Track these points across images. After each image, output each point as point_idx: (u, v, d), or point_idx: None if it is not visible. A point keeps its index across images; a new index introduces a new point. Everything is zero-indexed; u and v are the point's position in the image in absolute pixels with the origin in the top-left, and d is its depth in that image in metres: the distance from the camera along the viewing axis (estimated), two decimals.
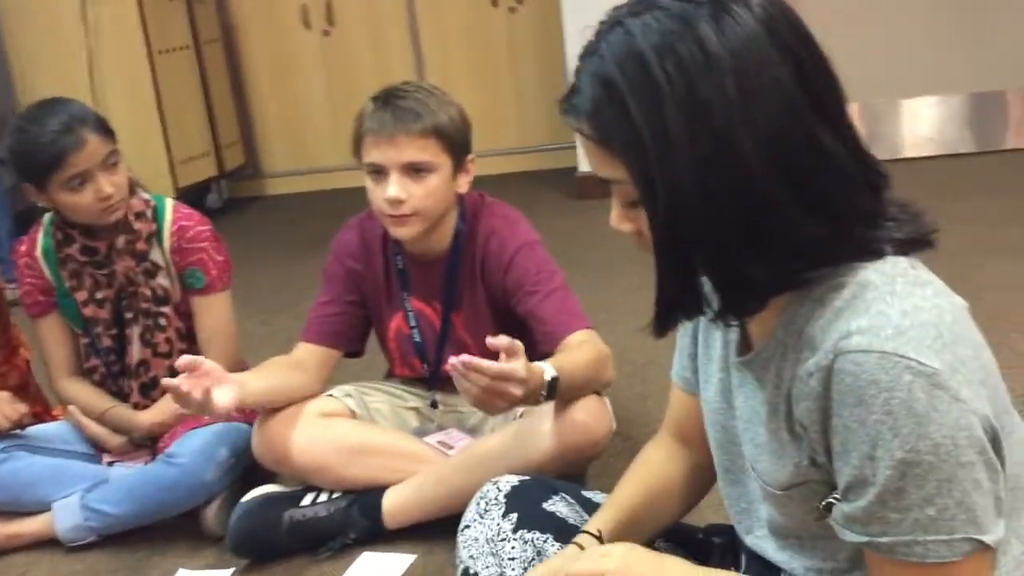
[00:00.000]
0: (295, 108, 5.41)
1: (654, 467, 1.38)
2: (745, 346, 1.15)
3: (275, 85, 5.40)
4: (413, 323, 2.10)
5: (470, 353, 2.08)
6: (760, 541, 1.21)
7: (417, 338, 2.11)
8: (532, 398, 1.71)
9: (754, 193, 0.97)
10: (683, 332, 1.31)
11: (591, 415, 1.87)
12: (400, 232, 1.97)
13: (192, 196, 4.55)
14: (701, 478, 1.35)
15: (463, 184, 2.00)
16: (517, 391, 1.63)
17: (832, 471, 1.01)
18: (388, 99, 1.93)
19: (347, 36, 5.28)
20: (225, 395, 1.79)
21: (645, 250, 1.05)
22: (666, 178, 0.98)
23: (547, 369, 1.72)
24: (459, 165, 1.98)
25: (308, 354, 2.08)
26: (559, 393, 1.76)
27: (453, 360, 1.61)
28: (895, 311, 0.96)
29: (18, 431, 2.19)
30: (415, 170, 1.92)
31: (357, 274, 2.11)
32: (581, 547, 1.28)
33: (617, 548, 1.13)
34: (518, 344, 1.65)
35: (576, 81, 1.04)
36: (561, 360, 1.80)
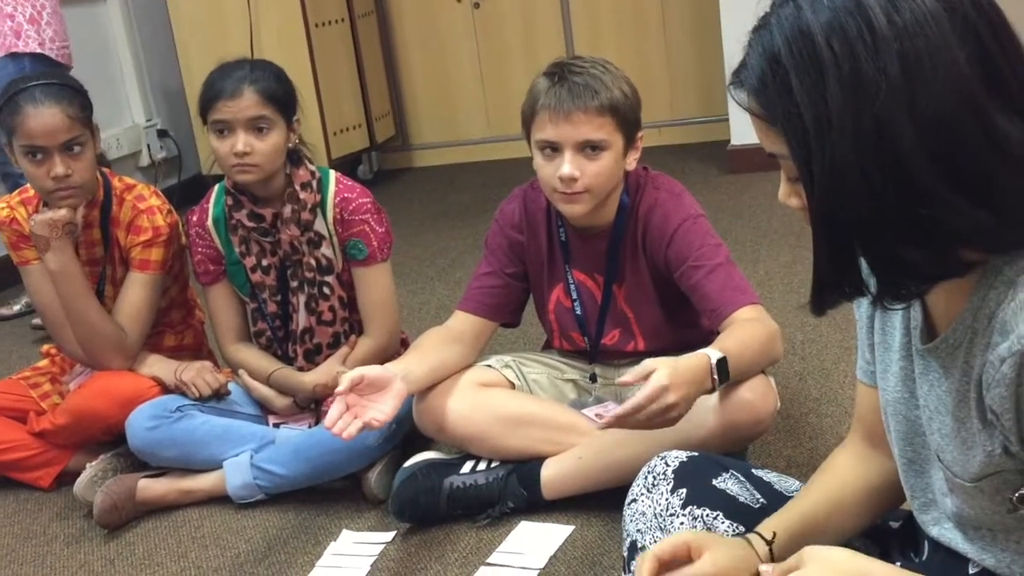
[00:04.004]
0: (444, 81, 5.46)
1: (840, 472, 1.32)
2: (929, 332, 1.11)
3: (425, 58, 5.46)
4: (575, 295, 2.10)
5: (631, 327, 2.09)
6: (947, 533, 1.16)
7: (578, 311, 2.11)
8: (702, 388, 1.72)
9: (912, 181, 0.94)
10: (860, 324, 1.27)
11: (756, 394, 1.84)
12: (570, 209, 1.97)
13: (344, 167, 4.65)
14: (894, 483, 1.26)
15: (632, 161, 1.99)
16: (672, 397, 1.65)
17: None
18: (563, 74, 1.91)
19: (497, 9, 5.30)
20: (383, 411, 1.82)
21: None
22: (823, 157, 0.96)
23: (711, 353, 1.70)
24: (630, 142, 1.97)
25: (466, 324, 2.11)
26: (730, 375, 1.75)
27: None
28: None
29: (215, 400, 2.29)
30: (590, 148, 1.91)
31: (520, 245, 2.12)
32: (749, 543, 1.25)
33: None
34: (646, 366, 1.68)
35: (745, 56, 1.03)
36: (727, 343, 1.78)
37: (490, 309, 2.12)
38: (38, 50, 3.40)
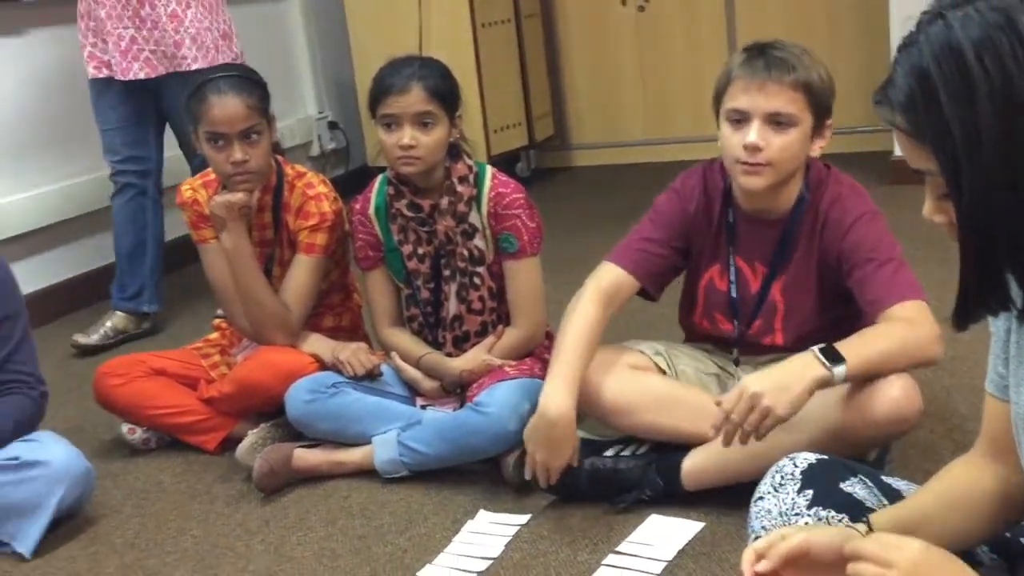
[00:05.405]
0: (606, 82, 5.51)
1: (952, 476, 1.33)
2: None
3: (588, 59, 5.52)
4: (733, 278, 2.13)
5: (774, 321, 2.11)
6: None
7: (734, 293, 2.13)
8: (806, 380, 1.75)
9: None
10: (996, 337, 1.27)
11: (903, 392, 1.84)
12: (750, 182, 1.98)
13: (502, 164, 4.75)
14: (1013, 494, 1.26)
15: (817, 148, 2.01)
16: (766, 401, 1.73)
17: None
18: (763, 49, 1.96)
19: (661, 12, 5.32)
20: None
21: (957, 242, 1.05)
22: (973, 174, 0.98)
23: (836, 372, 1.77)
24: (819, 126, 1.98)
25: (619, 280, 2.12)
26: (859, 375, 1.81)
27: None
28: None
29: (368, 380, 2.41)
30: (777, 122, 1.94)
31: (691, 218, 2.14)
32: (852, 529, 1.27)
33: (912, 543, 1.07)
34: None
35: (892, 73, 1.05)
36: (851, 338, 1.82)
37: (646, 274, 2.14)
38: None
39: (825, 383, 1.77)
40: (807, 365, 1.77)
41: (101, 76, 3.36)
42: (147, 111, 3.43)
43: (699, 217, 2.14)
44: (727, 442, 1.77)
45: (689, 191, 2.15)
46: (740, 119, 1.96)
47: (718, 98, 2.01)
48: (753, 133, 1.94)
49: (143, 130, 3.45)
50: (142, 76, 3.30)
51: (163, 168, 3.55)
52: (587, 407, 2.11)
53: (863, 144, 4.86)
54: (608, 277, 2.13)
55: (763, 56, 1.95)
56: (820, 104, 1.96)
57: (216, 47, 3.34)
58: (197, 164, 3.32)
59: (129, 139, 3.43)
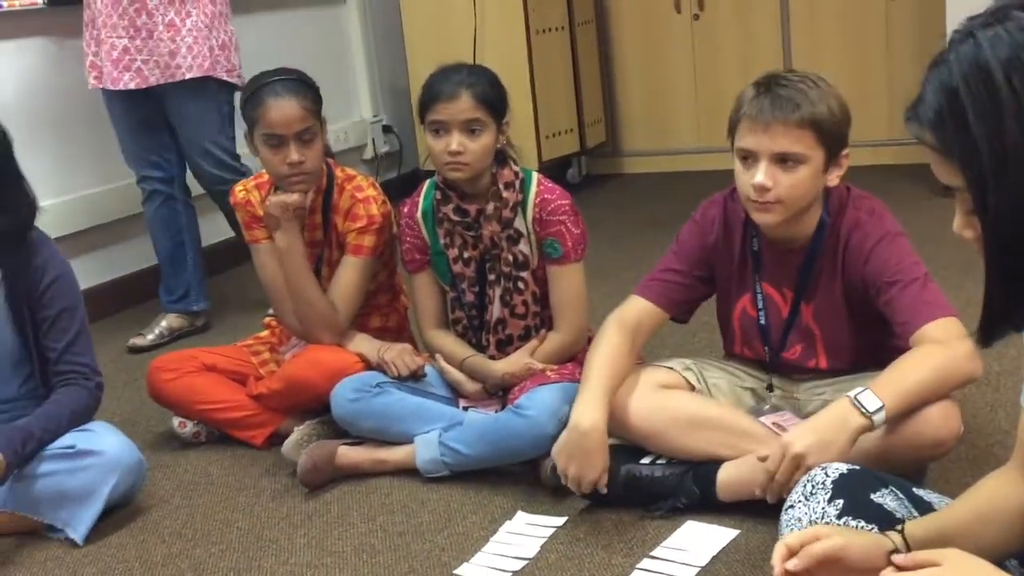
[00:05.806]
0: (659, 90, 5.52)
1: (986, 490, 1.34)
2: None
3: (641, 67, 5.53)
4: (760, 306, 2.14)
5: (815, 344, 2.10)
6: None
7: (762, 321, 2.14)
8: (848, 430, 1.76)
9: None
10: None
11: (941, 416, 1.84)
12: (762, 219, 2.00)
13: (553, 170, 4.79)
14: None
15: (833, 178, 2.00)
16: (811, 460, 1.71)
17: None
18: (769, 86, 1.95)
19: (716, 20, 5.32)
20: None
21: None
22: (999, 191, 0.99)
23: (852, 392, 1.79)
24: (832, 158, 1.97)
25: (644, 312, 2.15)
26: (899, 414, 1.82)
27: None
28: None
29: (412, 380, 2.45)
30: (785, 160, 1.94)
31: (713, 250, 2.16)
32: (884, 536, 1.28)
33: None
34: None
35: (922, 91, 1.07)
36: (883, 376, 1.82)
37: (670, 302, 2.17)
38: (224, 77, 3.37)
39: (866, 430, 1.78)
40: (847, 416, 1.77)
41: (99, 86, 3.38)
42: (155, 118, 3.43)
43: (719, 248, 2.15)
44: (773, 500, 1.78)
45: (709, 222, 2.17)
46: (748, 157, 1.96)
47: (731, 132, 2.01)
48: (760, 174, 1.93)
49: (156, 136, 3.46)
50: (132, 87, 3.30)
51: (186, 169, 3.56)
52: (618, 431, 2.12)
53: (915, 156, 4.78)
54: (632, 309, 2.17)
55: (769, 94, 1.93)
56: (831, 138, 1.94)
57: (212, 56, 3.33)
58: (205, 182, 3.44)
59: (144, 146, 3.47)
